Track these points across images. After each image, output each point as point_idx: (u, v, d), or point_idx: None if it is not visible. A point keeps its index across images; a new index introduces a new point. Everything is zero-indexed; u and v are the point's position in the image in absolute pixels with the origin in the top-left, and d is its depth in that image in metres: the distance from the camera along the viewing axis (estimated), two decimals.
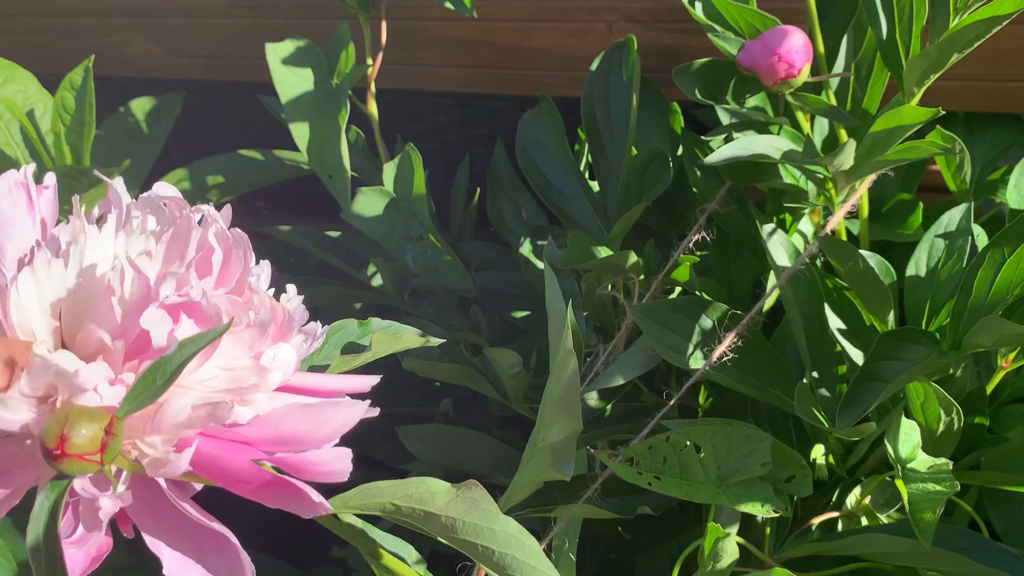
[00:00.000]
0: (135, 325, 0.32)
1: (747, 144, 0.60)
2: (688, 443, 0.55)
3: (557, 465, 0.42)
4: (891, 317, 0.61)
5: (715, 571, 0.53)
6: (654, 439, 0.55)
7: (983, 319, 0.54)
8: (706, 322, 0.62)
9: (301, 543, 0.93)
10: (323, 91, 0.78)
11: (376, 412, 0.35)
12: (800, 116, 0.66)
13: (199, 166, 0.91)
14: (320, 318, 0.40)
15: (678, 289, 0.72)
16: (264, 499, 0.33)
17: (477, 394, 0.81)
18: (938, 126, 0.56)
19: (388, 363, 0.52)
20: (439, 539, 0.40)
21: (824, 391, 0.63)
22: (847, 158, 0.59)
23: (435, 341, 0.48)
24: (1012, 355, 0.60)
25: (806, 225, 0.70)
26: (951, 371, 0.62)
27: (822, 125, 0.70)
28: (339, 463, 0.33)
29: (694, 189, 0.71)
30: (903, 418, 0.57)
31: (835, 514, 0.64)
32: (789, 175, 0.68)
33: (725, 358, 0.60)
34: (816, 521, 0.64)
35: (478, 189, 0.91)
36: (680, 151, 0.74)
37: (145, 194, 0.37)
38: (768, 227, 0.64)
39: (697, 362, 0.61)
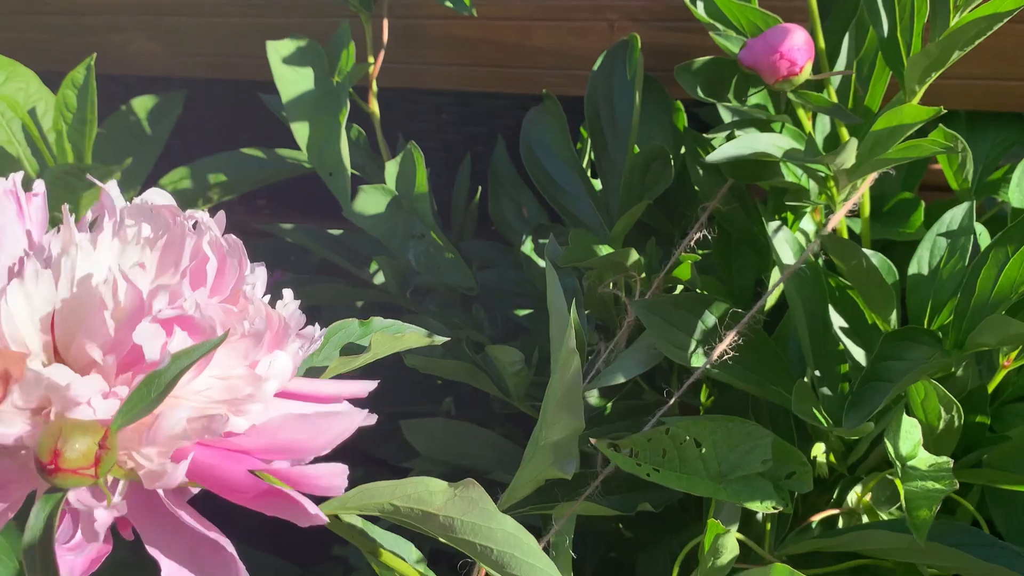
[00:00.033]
0: (129, 338, 0.32)
1: (748, 142, 0.60)
2: (688, 437, 0.55)
3: (559, 463, 0.42)
4: (894, 316, 0.61)
5: (715, 567, 0.53)
6: (654, 431, 0.55)
7: (988, 318, 0.54)
8: (708, 319, 0.62)
9: (302, 541, 0.93)
10: (324, 89, 0.78)
11: (374, 419, 0.35)
12: (802, 114, 0.66)
13: (201, 164, 0.91)
14: (322, 316, 0.40)
15: (679, 287, 0.72)
16: (260, 508, 0.33)
17: (479, 392, 0.82)
18: (940, 124, 0.56)
19: (390, 361, 0.52)
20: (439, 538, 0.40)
21: (826, 390, 0.63)
22: (848, 156, 0.59)
23: (439, 340, 0.48)
24: (1014, 354, 0.60)
25: (808, 224, 0.70)
26: (953, 370, 0.62)
27: (824, 123, 0.70)
28: (334, 479, 0.33)
29: (696, 187, 0.71)
30: (904, 416, 0.57)
31: (836, 511, 0.64)
32: (791, 173, 0.68)
33: (727, 356, 0.60)
34: (817, 518, 0.64)
35: (479, 188, 0.91)
36: (682, 149, 0.74)
37: (139, 199, 0.37)
38: (774, 224, 0.64)
39: (699, 359, 0.61)
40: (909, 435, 0.56)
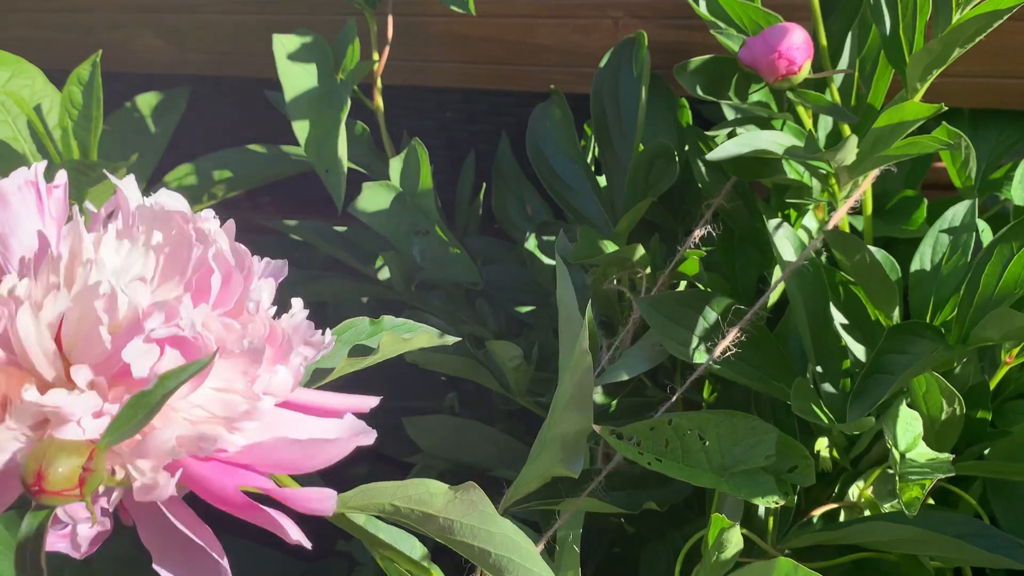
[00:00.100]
0: (121, 356, 0.31)
1: (749, 140, 0.61)
2: (691, 429, 0.55)
3: (566, 461, 0.43)
4: (896, 312, 0.61)
5: (719, 561, 0.53)
6: (656, 420, 0.55)
7: (992, 312, 0.54)
8: (711, 316, 0.63)
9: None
10: (326, 86, 0.78)
11: (372, 438, 0.35)
12: (802, 112, 0.66)
13: (205, 161, 0.91)
14: (326, 312, 0.40)
15: (683, 283, 0.72)
16: (251, 519, 0.33)
17: (482, 388, 0.82)
18: (944, 122, 0.57)
19: (394, 357, 0.52)
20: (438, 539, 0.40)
21: (828, 386, 0.63)
22: (849, 153, 0.59)
23: (450, 340, 0.48)
24: (1016, 350, 0.61)
25: (810, 221, 0.71)
26: (955, 366, 0.62)
27: (826, 121, 0.70)
28: (323, 503, 0.33)
29: (699, 184, 0.72)
30: (904, 408, 0.57)
31: (838, 505, 0.65)
32: (793, 171, 0.68)
33: (729, 352, 0.60)
34: (819, 512, 0.64)
35: (483, 185, 0.91)
36: (686, 146, 0.75)
37: (152, 200, 0.36)
38: (774, 221, 0.64)
39: (702, 356, 0.61)
40: (909, 427, 0.57)
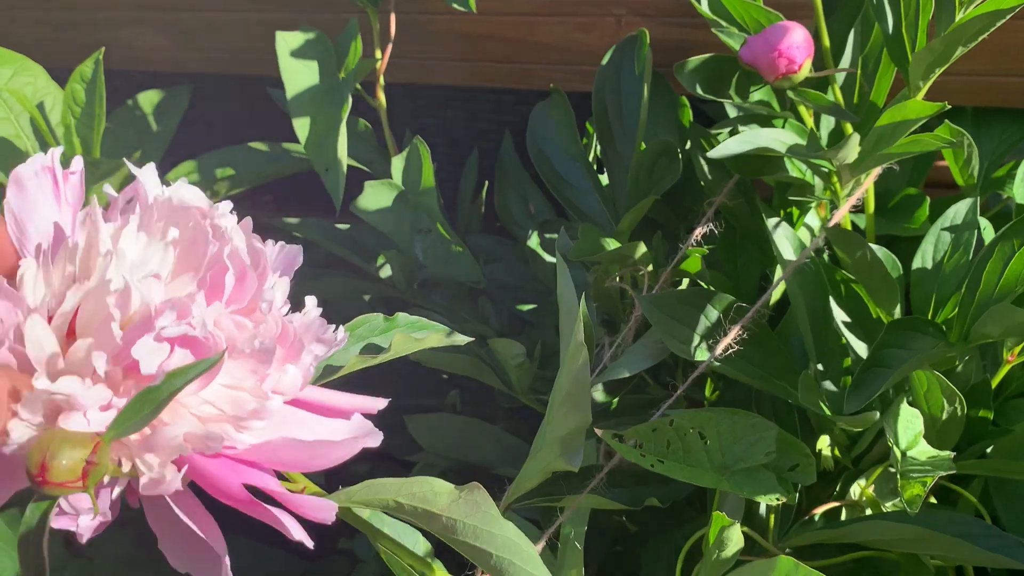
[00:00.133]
0: (131, 352, 0.32)
1: (751, 138, 0.61)
2: (692, 429, 0.55)
3: (566, 456, 0.43)
4: (898, 309, 0.61)
5: (720, 559, 0.53)
6: (658, 422, 0.55)
7: (993, 307, 0.54)
8: (713, 314, 0.63)
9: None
10: (328, 84, 0.78)
11: (379, 440, 0.35)
12: (803, 111, 0.66)
13: (208, 158, 0.91)
14: (328, 310, 0.40)
15: (685, 281, 0.72)
16: (253, 516, 0.34)
17: (484, 386, 0.82)
18: (946, 120, 0.57)
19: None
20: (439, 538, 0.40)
21: (829, 383, 0.63)
22: (851, 151, 0.59)
23: (461, 340, 0.48)
24: (1018, 349, 0.61)
25: (812, 219, 0.71)
26: (956, 364, 0.62)
27: (829, 119, 0.70)
28: (324, 512, 0.33)
29: (701, 183, 0.72)
30: (905, 406, 0.57)
31: (839, 503, 0.65)
32: (795, 169, 0.68)
33: (731, 350, 0.60)
34: (820, 510, 0.64)
35: (486, 183, 0.91)
36: (688, 144, 0.75)
37: (170, 192, 0.36)
38: (773, 220, 0.64)
39: (703, 354, 0.61)
40: (910, 425, 0.57)
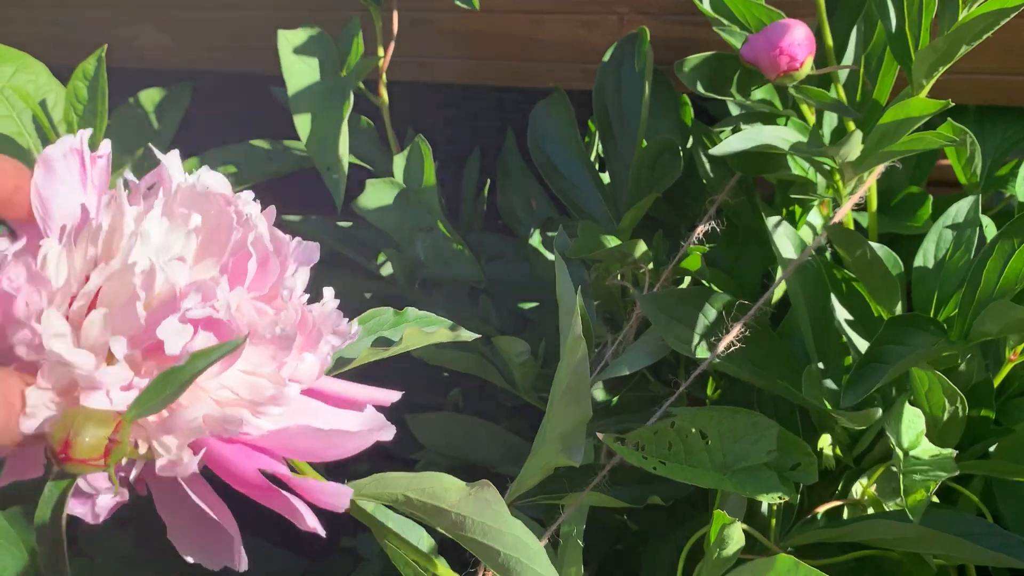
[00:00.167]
0: (155, 332, 0.32)
1: (754, 135, 0.61)
2: (693, 430, 0.55)
3: (567, 451, 0.43)
4: (898, 308, 0.61)
5: (721, 558, 0.53)
6: (659, 424, 0.55)
7: (991, 304, 0.54)
8: (714, 312, 0.63)
9: (310, 533, 0.94)
10: (330, 82, 0.78)
11: (392, 434, 0.35)
12: (805, 109, 0.66)
13: (210, 155, 0.91)
14: None
15: (687, 279, 0.72)
16: (267, 503, 0.34)
17: (486, 384, 0.82)
18: (949, 118, 0.57)
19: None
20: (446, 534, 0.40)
21: (830, 382, 0.63)
22: (853, 148, 0.59)
23: (467, 335, 0.48)
24: (1020, 347, 0.61)
25: (815, 217, 0.71)
26: (959, 363, 0.62)
27: (831, 117, 0.70)
28: (338, 498, 0.33)
29: (703, 180, 0.72)
30: (907, 406, 0.57)
31: (841, 502, 0.65)
32: (798, 166, 0.68)
33: (733, 348, 0.60)
34: (822, 509, 0.64)
35: (488, 181, 0.91)
36: (690, 142, 0.74)
37: (194, 179, 0.37)
38: (773, 219, 0.64)
39: (704, 352, 0.61)
40: (912, 424, 0.57)
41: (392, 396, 0.39)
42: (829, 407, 0.59)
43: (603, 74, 0.75)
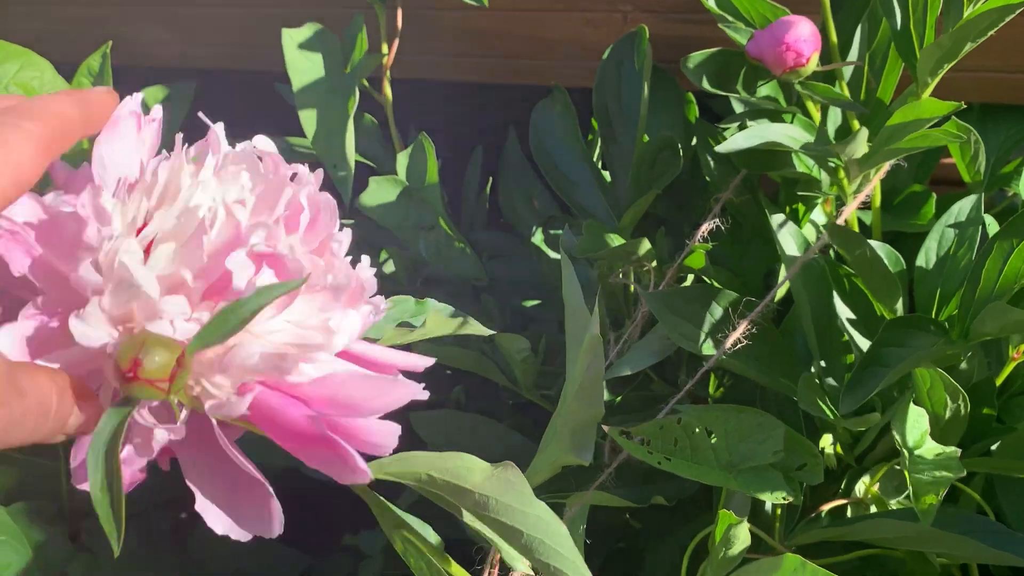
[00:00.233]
0: (219, 267, 0.33)
1: (760, 132, 0.61)
2: (699, 428, 0.55)
3: (576, 450, 0.43)
4: (899, 306, 0.61)
5: (726, 557, 0.53)
6: (665, 420, 0.55)
7: (989, 306, 0.54)
8: (719, 310, 0.63)
9: (312, 531, 0.94)
10: (334, 79, 0.78)
11: (426, 395, 0.35)
12: (810, 106, 0.66)
13: None
14: None
15: (690, 277, 0.72)
16: (308, 456, 0.34)
17: (488, 381, 0.82)
18: (953, 116, 0.57)
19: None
20: (465, 518, 0.40)
21: (831, 380, 0.63)
22: (859, 146, 0.59)
23: (480, 328, 0.48)
24: (1023, 346, 0.61)
25: (819, 215, 0.71)
26: (960, 361, 0.62)
27: (835, 115, 0.70)
28: (386, 437, 0.34)
29: (707, 178, 0.72)
30: (911, 405, 0.57)
31: (844, 501, 0.64)
32: (802, 164, 0.68)
33: (738, 345, 0.60)
34: (826, 508, 0.64)
35: (490, 179, 0.91)
36: (694, 141, 0.74)
37: (242, 145, 0.38)
38: (778, 217, 0.64)
39: (710, 348, 0.61)
40: (916, 424, 0.57)
41: (426, 361, 0.40)
42: (828, 412, 0.59)
43: (603, 72, 0.75)
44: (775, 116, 0.66)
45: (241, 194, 0.35)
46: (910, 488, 0.52)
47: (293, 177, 0.37)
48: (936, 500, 0.51)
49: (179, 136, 0.36)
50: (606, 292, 0.73)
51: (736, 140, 0.60)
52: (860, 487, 0.65)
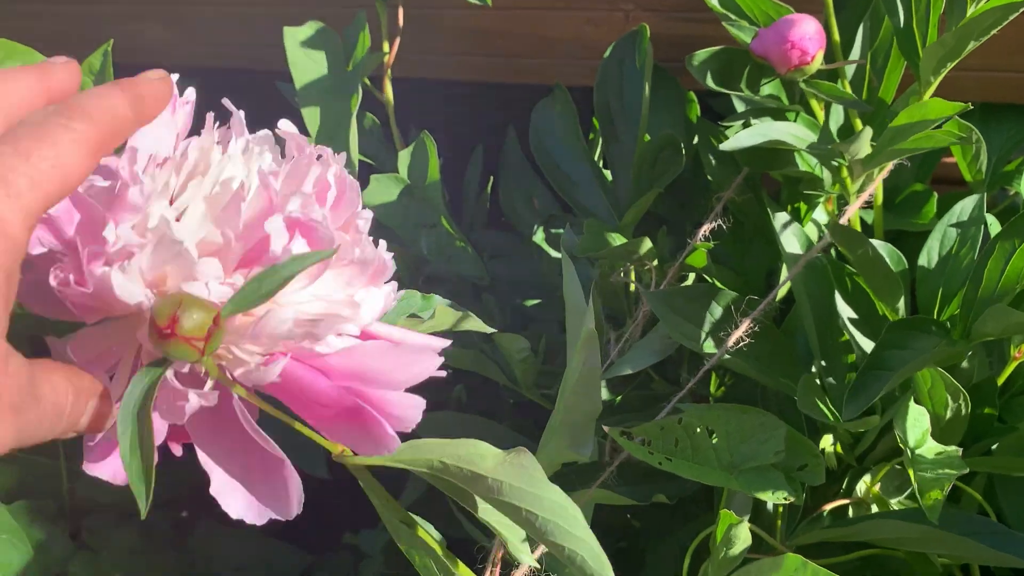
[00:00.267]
0: (253, 235, 0.33)
1: (764, 130, 0.61)
2: (700, 428, 0.55)
3: (575, 446, 0.43)
4: (901, 305, 0.61)
5: (728, 557, 0.53)
6: (666, 420, 0.55)
7: (990, 307, 0.54)
8: (721, 310, 0.63)
9: (313, 529, 0.94)
10: (337, 76, 0.78)
11: (444, 373, 0.36)
12: (814, 105, 0.66)
13: None
14: None
15: (692, 276, 0.72)
16: (336, 429, 0.34)
17: (488, 381, 0.82)
18: (955, 116, 0.57)
19: None
20: (478, 505, 0.40)
21: (832, 380, 0.63)
22: (863, 145, 0.59)
23: (481, 326, 0.49)
24: None
25: (820, 214, 0.70)
26: (962, 359, 0.62)
27: (837, 114, 0.70)
28: (412, 410, 0.34)
29: (709, 177, 0.72)
30: (912, 404, 0.57)
31: (845, 501, 0.64)
32: (805, 163, 0.68)
33: (740, 344, 0.60)
34: (827, 508, 0.64)
35: (491, 178, 0.91)
36: (695, 140, 0.74)
37: (263, 131, 0.38)
38: (781, 217, 0.64)
39: (712, 348, 0.61)
40: (917, 423, 0.57)
41: (442, 343, 0.40)
42: (828, 414, 0.59)
43: (604, 71, 0.75)
44: (778, 114, 0.65)
45: (271, 167, 0.36)
46: (914, 485, 0.52)
47: (324, 156, 0.38)
48: (941, 495, 0.51)
49: (210, 115, 0.37)
50: (607, 291, 0.73)
51: (740, 138, 0.60)
52: (861, 487, 0.65)
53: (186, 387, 0.33)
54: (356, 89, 0.76)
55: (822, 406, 0.59)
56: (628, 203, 0.74)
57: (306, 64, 0.78)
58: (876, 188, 0.64)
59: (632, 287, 0.72)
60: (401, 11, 0.81)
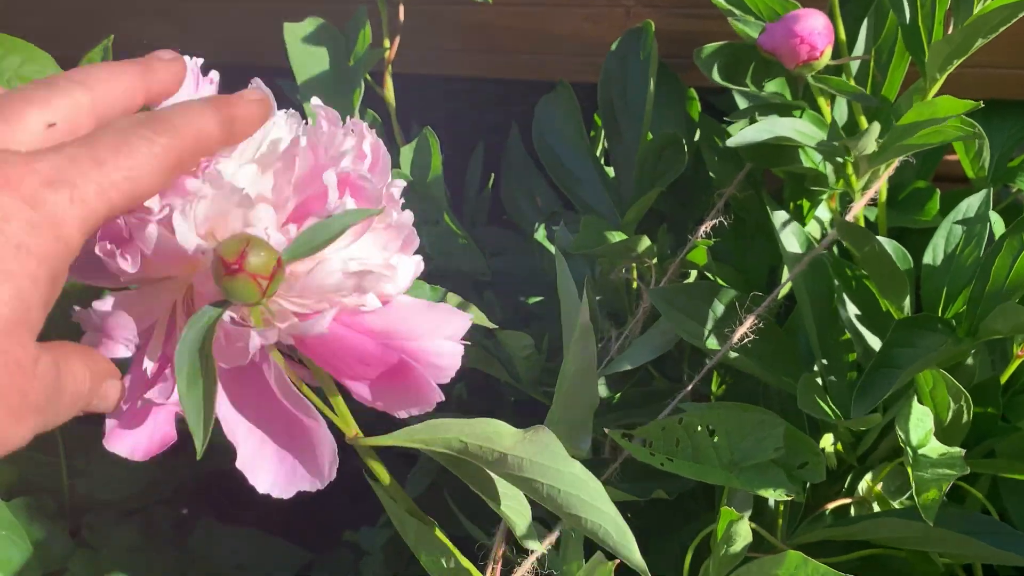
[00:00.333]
0: (303, 191, 0.34)
1: (769, 126, 0.60)
2: (700, 427, 0.55)
3: (573, 441, 0.43)
4: (907, 303, 0.61)
5: (728, 555, 0.53)
6: (667, 420, 0.55)
7: (1001, 305, 0.54)
8: (722, 307, 0.62)
9: (313, 527, 0.94)
10: (338, 72, 0.78)
11: (463, 346, 0.37)
12: (821, 101, 0.65)
13: None
14: None
15: (694, 273, 0.72)
16: (377, 390, 0.35)
17: (490, 378, 0.82)
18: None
19: None
20: (496, 484, 0.40)
21: (834, 379, 0.63)
22: (869, 142, 0.59)
23: (488, 322, 0.49)
24: None
25: (823, 212, 0.70)
26: (965, 357, 0.62)
27: (841, 111, 0.70)
28: (452, 358, 0.35)
29: (711, 175, 0.71)
30: (915, 404, 0.57)
31: (847, 500, 0.64)
32: (809, 159, 0.67)
33: (743, 342, 0.60)
34: (829, 507, 0.64)
35: (492, 175, 0.91)
36: (697, 137, 0.74)
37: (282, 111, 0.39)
38: (780, 215, 0.64)
39: (714, 345, 0.61)
40: (920, 423, 0.56)
41: (468, 317, 0.40)
42: (829, 413, 0.59)
43: (608, 67, 0.75)
44: (783, 111, 0.65)
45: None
46: (912, 483, 0.52)
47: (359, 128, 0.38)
48: (938, 496, 0.50)
49: (257, 80, 0.38)
50: (607, 289, 0.73)
51: (746, 134, 0.60)
52: (863, 486, 0.65)
53: (246, 327, 0.33)
54: (357, 85, 0.76)
55: (822, 404, 0.59)
56: (630, 200, 0.73)
57: (307, 60, 0.78)
58: (881, 185, 0.64)
59: (634, 284, 0.72)
60: (402, 7, 0.81)
